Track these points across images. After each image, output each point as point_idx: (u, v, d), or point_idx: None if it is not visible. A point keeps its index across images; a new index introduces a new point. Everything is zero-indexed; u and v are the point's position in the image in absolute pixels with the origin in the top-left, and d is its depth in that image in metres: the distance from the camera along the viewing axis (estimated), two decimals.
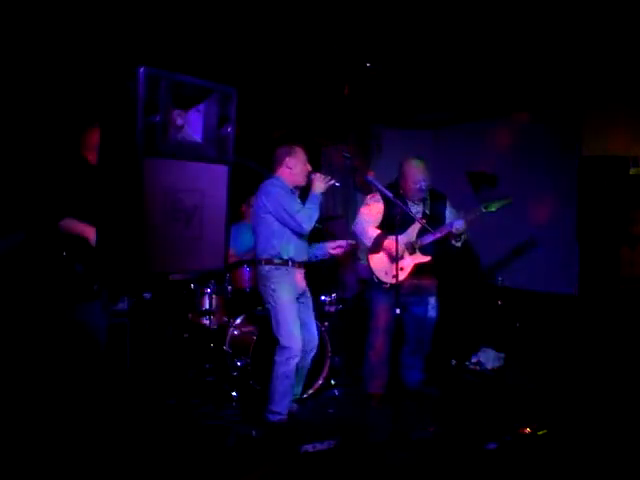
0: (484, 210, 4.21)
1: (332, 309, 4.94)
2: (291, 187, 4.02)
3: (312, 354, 4.12)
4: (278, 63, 4.88)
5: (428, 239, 4.23)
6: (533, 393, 4.47)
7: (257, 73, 4.93)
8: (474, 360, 5.36)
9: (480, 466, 3.36)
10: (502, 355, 5.34)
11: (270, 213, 3.91)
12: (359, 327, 4.68)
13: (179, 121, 2.96)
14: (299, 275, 4.03)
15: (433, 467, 3.36)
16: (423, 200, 4.40)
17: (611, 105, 5.28)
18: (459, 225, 4.17)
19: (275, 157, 4.08)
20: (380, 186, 4.04)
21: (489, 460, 3.42)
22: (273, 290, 3.91)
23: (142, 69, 2.31)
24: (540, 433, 3.69)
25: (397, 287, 3.86)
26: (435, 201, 4.45)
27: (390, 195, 3.96)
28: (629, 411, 4.00)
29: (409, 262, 4.28)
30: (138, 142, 2.46)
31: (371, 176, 4.38)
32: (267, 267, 3.95)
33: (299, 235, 3.96)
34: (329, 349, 4.60)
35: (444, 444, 3.62)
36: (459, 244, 4.32)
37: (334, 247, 4.26)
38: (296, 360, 3.85)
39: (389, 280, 4.22)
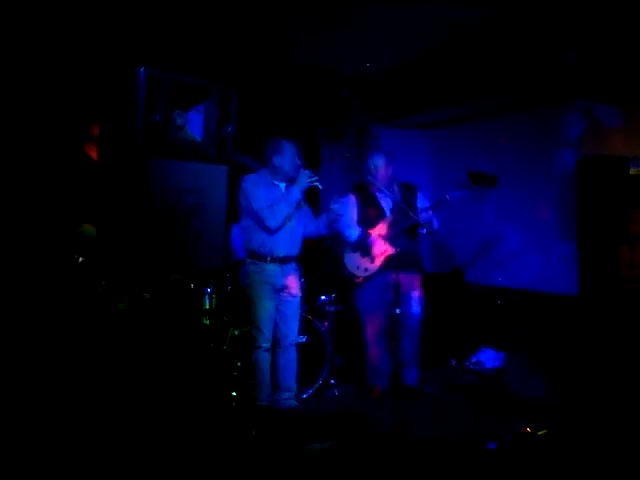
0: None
1: (332, 309, 4.93)
2: (276, 181, 4.01)
3: (292, 349, 4.15)
4: (278, 63, 4.89)
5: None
6: (533, 393, 4.47)
7: (257, 73, 4.94)
8: (474, 360, 5.36)
9: (480, 466, 3.36)
10: (502, 355, 5.33)
11: (245, 209, 3.96)
12: (359, 327, 4.67)
13: (179, 121, 2.97)
14: (278, 270, 3.98)
15: (433, 467, 3.36)
16: (392, 190, 4.43)
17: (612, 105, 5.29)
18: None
19: (263, 152, 4.05)
20: (379, 185, 4.19)
21: (489, 460, 3.42)
22: (248, 285, 4.04)
23: (142, 69, 2.31)
24: (540, 433, 3.69)
25: (397, 286, 3.84)
26: (406, 192, 4.49)
27: (389, 194, 4.22)
28: (629, 411, 4.00)
29: (378, 252, 4.33)
30: (139, 142, 2.46)
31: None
32: (248, 261, 4.03)
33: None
34: (329, 349, 4.60)
35: (444, 444, 3.62)
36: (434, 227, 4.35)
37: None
38: (262, 350, 3.98)
39: (361, 274, 4.32)
